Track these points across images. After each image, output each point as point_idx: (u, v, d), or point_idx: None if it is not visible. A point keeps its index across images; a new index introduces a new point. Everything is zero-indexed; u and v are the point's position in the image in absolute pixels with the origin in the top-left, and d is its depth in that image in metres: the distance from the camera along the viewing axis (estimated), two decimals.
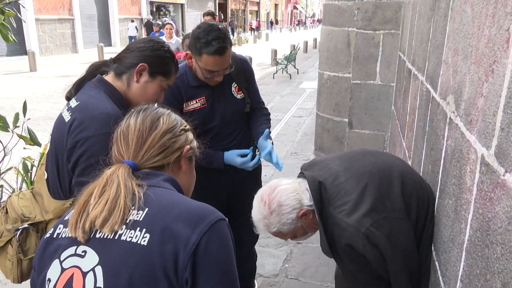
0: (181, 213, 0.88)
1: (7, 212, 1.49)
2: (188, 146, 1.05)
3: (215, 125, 2.16)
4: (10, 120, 2.93)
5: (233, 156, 2.11)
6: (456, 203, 1.18)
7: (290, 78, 12.57)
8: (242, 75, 2.21)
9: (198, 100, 2.12)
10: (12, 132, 3.35)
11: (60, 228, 0.96)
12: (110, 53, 18.33)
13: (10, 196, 1.55)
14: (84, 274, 0.87)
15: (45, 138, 4.51)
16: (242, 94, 2.22)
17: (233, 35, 28.21)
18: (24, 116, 3.37)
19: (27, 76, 12.37)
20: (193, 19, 29.06)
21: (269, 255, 3.08)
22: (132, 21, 22.07)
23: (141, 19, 24.56)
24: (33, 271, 0.99)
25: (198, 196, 1.21)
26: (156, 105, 1.15)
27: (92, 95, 1.44)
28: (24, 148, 3.87)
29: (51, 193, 1.47)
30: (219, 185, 2.25)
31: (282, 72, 13.14)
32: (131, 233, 0.87)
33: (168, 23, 5.27)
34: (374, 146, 4.16)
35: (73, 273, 0.88)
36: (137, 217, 0.88)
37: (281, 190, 1.48)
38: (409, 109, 2.57)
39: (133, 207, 0.90)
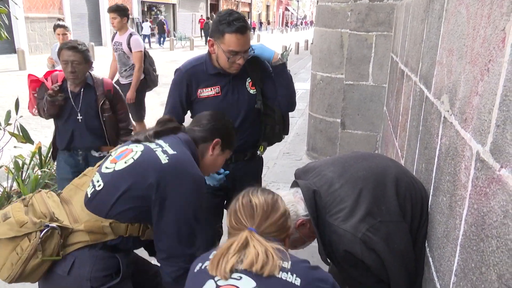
0: (313, 273, 1.16)
1: (27, 205, 1.48)
2: (291, 229, 1.32)
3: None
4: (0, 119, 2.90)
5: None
6: (451, 200, 1.21)
7: None
8: (257, 73, 2.25)
9: (213, 88, 2.18)
10: (4, 130, 3.32)
11: (207, 262, 1.20)
12: (101, 54, 18.22)
13: (40, 191, 1.55)
14: None
15: (35, 137, 4.48)
16: (255, 90, 2.25)
17: None
18: (17, 114, 3.35)
19: (16, 74, 12.23)
20: (184, 19, 28.99)
21: None
22: (147, 20, 22.35)
23: (132, 18, 24.44)
24: None
25: None
26: None
27: (185, 153, 1.57)
28: (15, 146, 3.84)
29: (90, 206, 1.48)
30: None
31: None
32: (284, 274, 1.10)
33: (60, 26, 4.86)
34: (366, 146, 4.20)
35: None
36: (285, 265, 1.13)
37: None
38: (402, 110, 2.60)
39: (280, 259, 1.13)
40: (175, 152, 1.51)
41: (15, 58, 13.81)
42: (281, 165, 4.79)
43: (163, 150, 1.52)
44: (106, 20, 22.48)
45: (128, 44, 4.79)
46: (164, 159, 1.48)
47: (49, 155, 4.03)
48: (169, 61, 16.79)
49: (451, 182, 1.23)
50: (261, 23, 48.48)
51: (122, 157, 1.54)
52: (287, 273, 1.11)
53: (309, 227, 1.52)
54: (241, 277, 1.10)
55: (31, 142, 3.29)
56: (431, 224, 1.46)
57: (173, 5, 29.93)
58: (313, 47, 4.80)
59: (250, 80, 2.24)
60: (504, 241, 0.79)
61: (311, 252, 2.98)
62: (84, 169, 1.80)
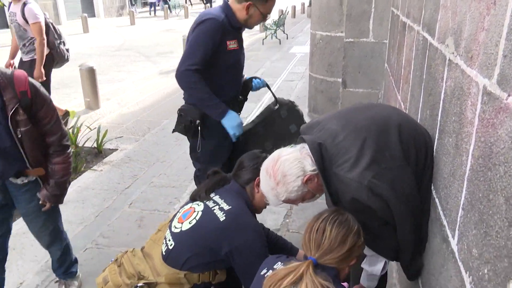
0: None
1: (119, 266, 1.74)
2: (356, 259, 1.40)
3: (239, 69, 2.55)
4: None
5: (236, 117, 2.40)
6: (457, 139, 1.24)
7: (280, 43, 12.45)
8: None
9: (235, 42, 2.44)
10: None
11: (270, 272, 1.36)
12: (95, 26, 17.91)
13: (126, 252, 1.81)
14: None
15: None
16: None
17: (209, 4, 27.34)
18: None
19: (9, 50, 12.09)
20: None
21: (270, 211, 3.17)
22: None
23: None
24: None
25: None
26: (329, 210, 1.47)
27: (239, 205, 1.82)
28: None
29: (166, 261, 1.74)
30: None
31: (272, 38, 13.00)
32: None
33: None
34: None
35: None
36: None
37: (283, 161, 1.53)
38: (404, 62, 2.60)
39: None
40: (230, 207, 1.77)
41: (8, 33, 13.60)
42: None
43: (220, 208, 1.77)
44: None
45: (23, 14, 4.16)
46: (221, 216, 1.73)
47: None
48: (164, 30, 16.53)
49: (457, 122, 1.25)
50: None
51: (187, 216, 1.79)
52: None
53: (316, 181, 1.55)
54: None
55: None
56: (437, 167, 1.49)
57: None
58: (312, 5, 4.72)
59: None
60: (511, 160, 0.81)
61: (318, 208, 3.05)
62: (3, 202, 1.99)
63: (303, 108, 5.67)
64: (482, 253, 0.97)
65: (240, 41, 2.49)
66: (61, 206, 3.19)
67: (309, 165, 1.51)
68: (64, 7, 19.84)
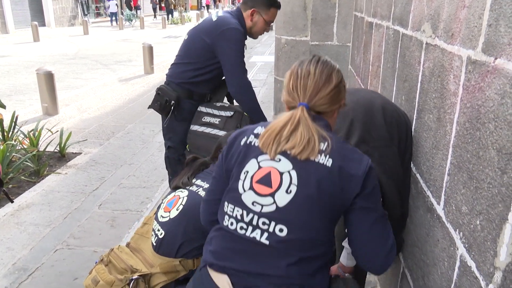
0: (350, 156, 1.21)
1: (107, 264, 1.69)
2: (343, 100, 1.31)
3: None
4: None
5: None
6: (439, 113, 1.33)
7: None
8: None
9: (245, 47, 2.55)
10: None
11: (252, 138, 1.28)
12: (46, 35, 17.24)
13: (112, 250, 1.76)
14: (281, 173, 1.18)
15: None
16: None
17: (171, 15, 27.41)
18: None
19: None
20: None
21: None
22: None
23: None
24: (221, 163, 1.33)
25: None
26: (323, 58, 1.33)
27: None
28: None
29: (159, 249, 1.69)
30: None
31: None
32: (318, 157, 1.17)
33: None
34: None
35: (270, 171, 1.19)
36: (323, 147, 1.19)
37: None
38: (372, 59, 2.73)
39: (320, 142, 1.19)
40: None
41: None
42: None
43: (204, 189, 1.75)
44: None
45: None
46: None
47: (12, 127, 3.87)
48: (119, 40, 16.22)
49: (438, 98, 1.35)
50: (214, 1, 47.62)
51: (173, 204, 1.76)
52: (321, 155, 1.18)
53: None
54: (280, 159, 1.20)
55: (3, 106, 3.16)
56: (416, 144, 1.59)
57: None
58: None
59: None
60: (503, 118, 0.90)
61: None
62: None
63: (269, 111, 5.76)
64: (473, 207, 1.05)
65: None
66: (26, 209, 3.05)
67: None
68: (12, 16, 19.00)
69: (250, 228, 1.21)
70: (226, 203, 1.28)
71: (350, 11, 4.00)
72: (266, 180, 1.20)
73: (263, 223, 1.19)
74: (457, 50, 1.20)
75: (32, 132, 3.96)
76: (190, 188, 1.80)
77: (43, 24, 20.98)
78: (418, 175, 1.55)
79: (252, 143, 1.27)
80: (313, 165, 1.18)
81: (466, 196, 1.10)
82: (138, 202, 3.18)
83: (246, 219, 1.22)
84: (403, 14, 1.90)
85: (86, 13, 24.07)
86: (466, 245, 1.08)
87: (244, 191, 1.22)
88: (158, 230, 1.73)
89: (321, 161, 1.18)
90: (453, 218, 1.19)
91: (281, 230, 1.18)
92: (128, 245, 1.81)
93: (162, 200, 1.87)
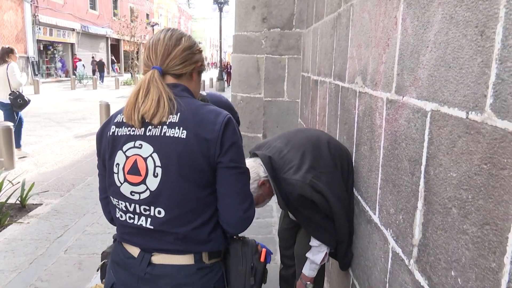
0: (204, 119, 1.24)
1: None
2: (200, 62, 1.38)
3: None
4: None
5: None
6: (371, 143, 1.72)
7: None
8: None
9: None
10: None
11: (113, 128, 1.30)
12: None
13: None
14: (145, 159, 1.23)
15: None
16: None
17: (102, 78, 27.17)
18: None
19: None
20: (84, 59, 28.13)
21: None
22: (80, 59, 22.35)
23: (27, 57, 23.16)
24: (99, 160, 1.35)
25: None
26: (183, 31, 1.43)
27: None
28: None
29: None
30: None
31: None
32: (172, 131, 1.22)
33: None
34: None
35: (136, 159, 1.24)
36: (174, 119, 1.23)
37: None
38: (318, 110, 3.18)
39: (171, 112, 1.23)
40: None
41: None
42: None
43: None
44: None
45: None
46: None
47: None
48: (71, 99, 16.25)
49: (369, 131, 1.74)
50: None
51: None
52: (174, 128, 1.22)
53: (268, 186, 1.92)
54: (141, 145, 1.24)
55: None
56: (356, 172, 1.96)
57: (72, 44, 29.00)
58: (232, 71, 5.34)
59: None
60: (410, 137, 1.28)
61: (258, 228, 3.34)
62: None
63: None
64: (397, 207, 1.40)
65: None
66: None
67: (262, 172, 1.89)
68: None
69: (136, 216, 1.28)
70: (111, 197, 1.33)
71: (298, 72, 4.55)
72: (134, 169, 1.24)
73: (145, 210, 1.25)
74: (379, 94, 1.61)
75: None
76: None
77: None
78: (359, 196, 1.91)
79: (115, 133, 1.29)
80: (170, 140, 1.22)
81: (392, 200, 1.45)
82: (105, 247, 3.27)
83: (130, 209, 1.27)
84: (341, 71, 2.36)
85: (36, 73, 23.93)
86: (395, 238, 1.42)
87: (121, 183, 1.27)
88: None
89: (176, 135, 1.22)
90: (385, 221, 1.53)
91: (159, 212, 1.24)
92: None
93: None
